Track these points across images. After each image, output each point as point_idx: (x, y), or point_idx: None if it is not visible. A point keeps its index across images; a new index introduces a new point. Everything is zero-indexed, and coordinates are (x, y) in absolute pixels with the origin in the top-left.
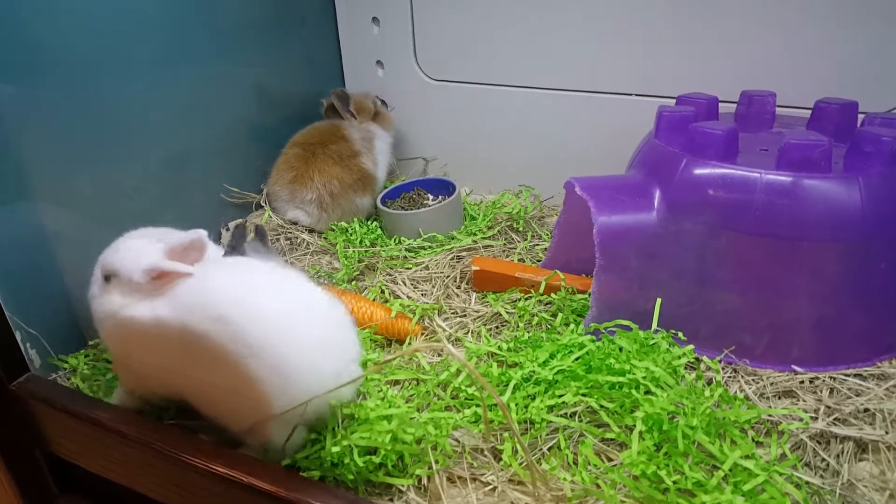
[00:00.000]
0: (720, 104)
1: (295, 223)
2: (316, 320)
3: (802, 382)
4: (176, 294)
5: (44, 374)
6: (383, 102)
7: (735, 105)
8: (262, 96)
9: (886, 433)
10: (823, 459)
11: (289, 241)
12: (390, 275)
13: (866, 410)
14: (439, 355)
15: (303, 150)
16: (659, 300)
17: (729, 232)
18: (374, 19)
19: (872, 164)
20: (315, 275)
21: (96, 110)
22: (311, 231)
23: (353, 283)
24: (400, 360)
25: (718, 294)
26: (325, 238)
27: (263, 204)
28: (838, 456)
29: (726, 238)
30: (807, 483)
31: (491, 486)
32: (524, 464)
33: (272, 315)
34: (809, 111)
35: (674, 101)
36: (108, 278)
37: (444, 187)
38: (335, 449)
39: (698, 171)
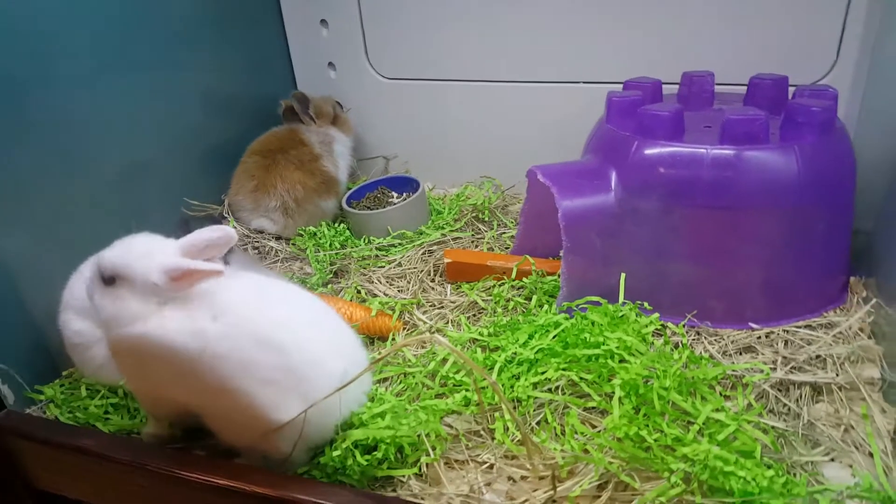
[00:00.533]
0: (664, 86)
1: (261, 232)
2: (335, 333)
3: (759, 338)
4: (219, 308)
5: (19, 409)
6: (339, 105)
7: (677, 86)
8: (213, 104)
9: (837, 375)
10: (785, 405)
11: (256, 251)
12: (364, 275)
13: (818, 357)
14: (423, 347)
15: (262, 157)
16: (623, 275)
17: (681, 206)
18: (323, 21)
19: (806, 134)
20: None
21: (36, 128)
22: (278, 238)
23: (329, 286)
24: (389, 356)
25: (675, 265)
26: (293, 244)
27: (226, 215)
28: (797, 400)
29: (679, 212)
30: (773, 427)
31: (488, 465)
32: (516, 440)
33: (309, 338)
34: (745, 87)
35: (620, 86)
36: (110, 281)
37: (407, 184)
38: (336, 453)
39: (649, 152)
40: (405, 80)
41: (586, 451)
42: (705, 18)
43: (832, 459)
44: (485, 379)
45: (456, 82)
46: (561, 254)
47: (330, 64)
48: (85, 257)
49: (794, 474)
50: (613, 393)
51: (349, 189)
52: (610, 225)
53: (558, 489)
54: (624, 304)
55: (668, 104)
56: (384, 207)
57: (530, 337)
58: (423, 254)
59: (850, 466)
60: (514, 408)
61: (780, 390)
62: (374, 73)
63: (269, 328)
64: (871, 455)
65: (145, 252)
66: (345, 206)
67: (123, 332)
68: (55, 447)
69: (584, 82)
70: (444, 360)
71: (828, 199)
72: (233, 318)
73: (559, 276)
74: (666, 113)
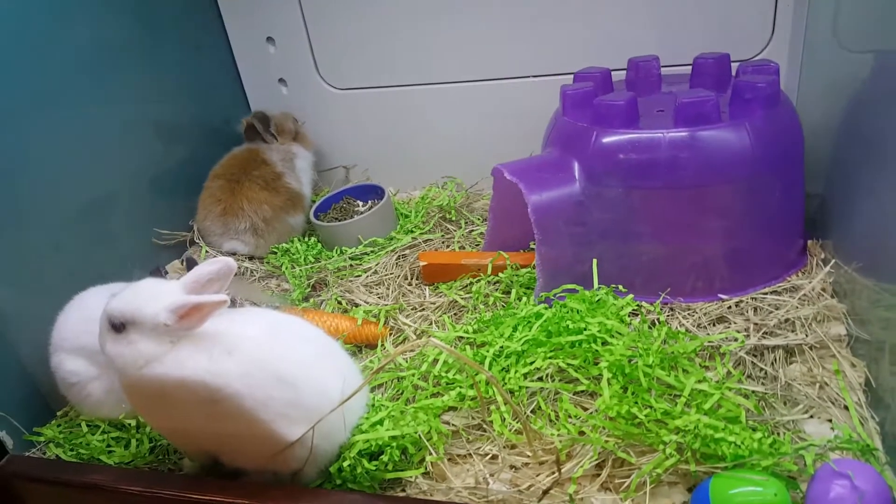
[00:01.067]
0: (611, 73)
1: (233, 254)
2: (337, 362)
3: (730, 307)
4: (227, 347)
5: (18, 453)
6: (295, 120)
7: (624, 72)
8: (168, 130)
9: (807, 336)
10: (761, 369)
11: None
12: (343, 285)
13: (787, 320)
14: (412, 350)
15: (226, 180)
16: (594, 261)
17: (643, 189)
18: (269, 39)
19: (754, 109)
20: (269, 299)
21: None
22: (251, 259)
23: (311, 300)
24: (377, 363)
25: (643, 246)
26: (267, 262)
27: (197, 241)
28: (772, 363)
29: (641, 195)
30: (753, 392)
31: (490, 456)
32: (513, 429)
33: (319, 372)
34: (688, 67)
35: (570, 76)
36: (120, 328)
37: (371, 192)
38: (346, 463)
39: (608, 140)
40: (357, 89)
41: (583, 433)
42: (644, 3)
43: (811, 416)
44: (481, 374)
45: (408, 87)
46: (531, 245)
47: (281, 80)
48: (62, 297)
49: (778, 433)
50: (601, 375)
51: (314, 202)
52: (577, 214)
53: (561, 472)
54: (598, 288)
55: (622, 93)
56: (351, 217)
57: (514, 329)
58: (397, 259)
59: (829, 421)
60: (506, 401)
61: (755, 356)
62: (326, 86)
63: (285, 366)
64: (846, 408)
65: (151, 295)
66: (313, 219)
67: (140, 374)
68: (65, 486)
69: (533, 76)
70: (435, 361)
71: (780, 168)
72: (250, 355)
73: (533, 267)
74: (621, 102)
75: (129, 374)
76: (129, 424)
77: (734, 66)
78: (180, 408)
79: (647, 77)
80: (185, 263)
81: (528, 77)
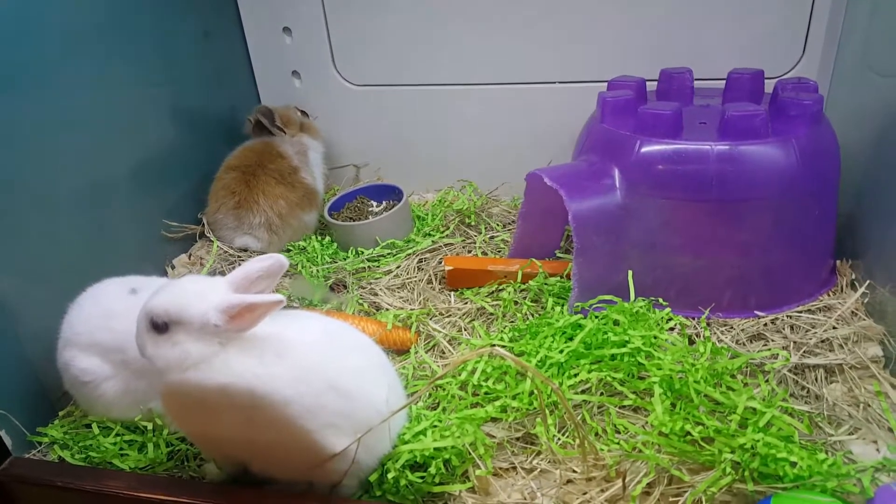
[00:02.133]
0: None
1: (245, 250)
2: (386, 372)
3: (766, 325)
4: (278, 351)
5: (19, 454)
6: (304, 113)
7: (655, 82)
8: (175, 119)
9: (847, 356)
10: (803, 387)
11: None
12: (364, 287)
13: (824, 340)
14: (442, 357)
15: (241, 173)
16: (630, 272)
17: (686, 201)
18: (286, 29)
19: (799, 126)
20: (288, 300)
21: None
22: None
23: (337, 303)
24: (414, 369)
25: (679, 258)
26: None
27: (207, 234)
28: (814, 382)
29: (684, 207)
30: (797, 410)
31: (538, 471)
32: (560, 442)
33: (371, 382)
34: (715, 81)
35: (597, 85)
36: (164, 328)
37: (385, 192)
38: (390, 475)
39: (653, 150)
40: (375, 86)
41: (639, 449)
42: (677, 16)
43: (853, 436)
44: (555, 392)
45: (427, 87)
46: (557, 254)
47: (294, 73)
48: (65, 289)
49: (827, 453)
50: (647, 390)
51: (325, 200)
52: (616, 223)
53: (610, 489)
54: (636, 300)
55: (667, 103)
56: (366, 217)
57: (552, 338)
58: (418, 262)
59: (875, 442)
60: (552, 412)
61: (796, 374)
62: (342, 81)
63: (339, 374)
64: (890, 430)
65: (198, 293)
66: (328, 218)
67: (183, 378)
68: (77, 492)
69: (560, 82)
70: (474, 370)
71: (820, 186)
72: (303, 361)
73: (563, 277)
74: (667, 112)
75: (173, 377)
76: (146, 427)
77: (769, 82)
78: (222, 413)
79: (680, 88)
80: (175, 268)
81: (554, 83)
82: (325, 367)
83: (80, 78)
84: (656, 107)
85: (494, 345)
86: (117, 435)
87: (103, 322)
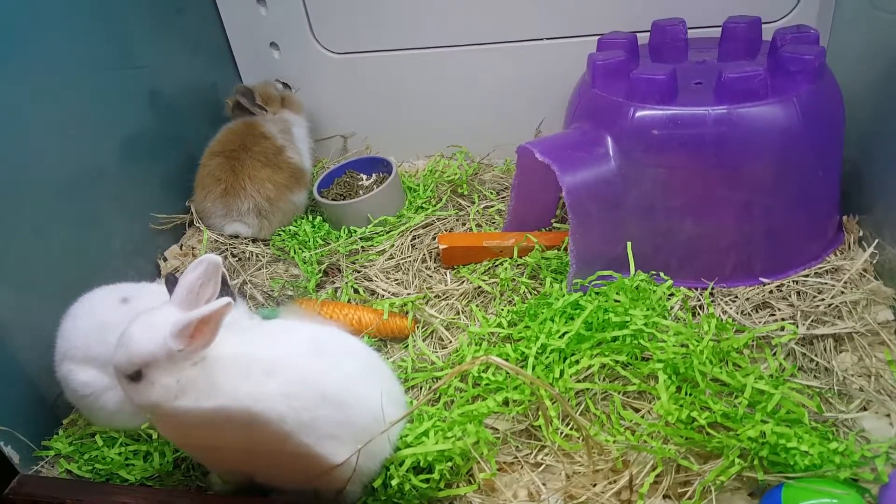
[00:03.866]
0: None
1: (236, 237)
2: (380, 375)
3: (772, 292)
4: (266, 368)
5: (27, 470)
6: (285, 85)
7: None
8: (154, 101)
9: (856, 323)
10: (812, 360)
11: (236, 258)
12: (358, 271)
13: (831, 306)
14: (443, 347)
15: (226, 158)
16: (629, 243)
17: (685, 167)
18: (260, 0)
19: (800, 83)
20: (281, 289)
21: None
22: (254, 241)
23: (332, 290)
24: (413, 361)
25: (680, 226)
26: (272, 245)
27: (197, 223)
28: (823, 353)
29: (680, 173)
30: (807, 387)
31: (543, 466)
32: (563, 434)
33: (366, 389)
34: (708, 29)
35: (587, 39)
36: (136, 376)
37: (375, 164)
38: (394, 481)
39: (648, 115)
40: (356, 53)
41: (644, 440)
42: None
43: (865, 409)
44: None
45: (412, 51)
46: (553, 223)
47: (272, 44)
48: (60, 294)
49: (838, 431)
50: (652, 374)
51: (314, 176)
52: (612, 193)
53: (620, 481)
54: (636, 274)
55: (659, 66)
56: (356, 192)
57: (550, 320)
58: (412, 240)
59: (888, 416)
60: (554, 401)
61: (804, 345)
62: (322, 50)
63: (331, 384)
64: None
65: (149, 329)
66: (317, 197)
67: (174, 407)
68: None
69: (548, 39)
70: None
71: (825, 144)
72: (292, 374)
73: (561, 250)
74: (661, 76)
75: (165, 409)
76: (151, 436)
77: (767, 29)
78: (219, 433)
79: (673, 42)
80: (166, 281)
81: (542, 40)
82: (316, 380)
83: (47, 63)
84: (649, 71)
85: (490, 356)
86: (122, 445)
87: (97, 335)
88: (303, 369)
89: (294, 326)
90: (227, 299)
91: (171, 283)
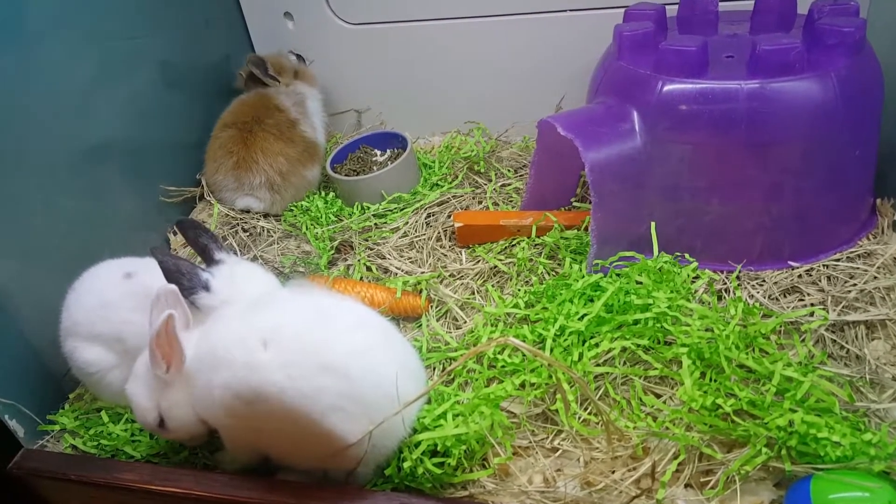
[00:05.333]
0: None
1: (247, 211)
2: (394, 347)
3: (801, 276)
4: (261, 338)
5: (32, 444)
6: (299, 57)
7: (676, 6)
8: (166, 72)
9: (889, 310)
10: (842, 346)
11: (247, 233)
12: (371, 248)
13: (863, 291)
14: (458, 328)
15: (238, 130)
16: (653, 224)
17: (715, 144)
18: None
19: (838, 57)
20: (292, 266)
21: None
22: (266, 216)
23: (344, 267)
24: (428, 342)
25: (707, 206)
26: (284, 221)
27: (207, 197)
28: (854, 340)
29: (712, 150)
30: (837, 375)
31: (560, 452)
32: (581, 419)
33: (374, 360)
34: (739, 2)
35: (613, 11)
36: (162, 423)
37: (389, 140)
38: (406, 464)
39: (677, 89)
40: (373, 24)
41: (666, 427)
42: None
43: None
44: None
45: (429, 22)
46: (573, 202)
47: (286, 14)
48: (68, 267)
49: (870, 422)
50: (675, 359)
51: (328, 152)
52: (637, 170)
53: (640, 469)
54: (660, 255)
55: (690, 37)
56: (370, 168)
57: (570, 301)
58: (427, 218)
59: None
60: (572, 386)
61: (834, 332)
62: (338, 20)
63: (332, 353)
64: None
65: (136, 381)
66: (330, 172)
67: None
68: (90, 485)
69: (571, 10)
70: (489, 342)
71: (862, 122)
72: (290, 345)
73: (581, 229)
74: (693, 48)
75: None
76: None
77: (802, 2)
78: (228, 412)
79: (703, 14)
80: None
81: (565, 11)
82: (317, 349)
83: (56, 32)
84: (679, 42)
85: (508, 337)
86: (128, 421)
87: (102, 312)
88: (303, 338)
89: (299, 296)
90: (166, 313)
91: (158, 254)
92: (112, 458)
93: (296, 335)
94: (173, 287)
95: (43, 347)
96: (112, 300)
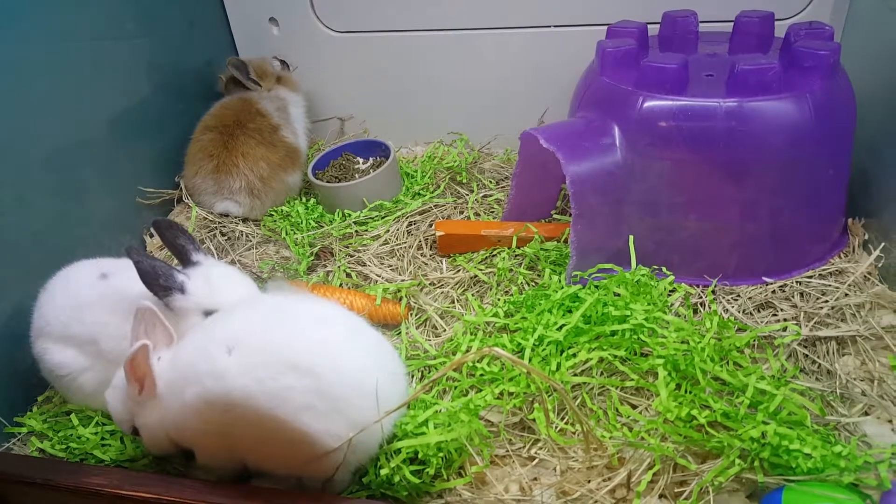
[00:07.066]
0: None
1: (226, 215)
2: (366, 343)
3: (774, 292)
4: (224, 344)
5: None
6: (283, 63)
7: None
8: (148, 74)
9: (860, 327)
10: (814, 361)
11: (225, 237)
12: (351, 255)
13: (834, 308)
14: (437, 336)
15: (219, 133)
16: (631, 238)
17: (693, 162)
18: None
19: (814, 79)
20: (271, 271)
21: None
22: (245, 221)
23: (323, 273)
24: (407, 349)
25: (684, 221)
26: (263, 226)
27: (186, 200)
28: (825, 355)
29: (691, 167)
30: (809, 389)
31: (536, 461)
32: (558, 428)
33: (344, 360)
34: (719, 24)
35: (593, 29)
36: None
37: (372, 148)
38: (384, 471)
39: (657, 106)
40: (358, 32)
41: (642, 437)
42: None
43: (867, 414)
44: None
45: (415, 32)
46: (553, 215)
47: (272, 19)
48: (39, 266)
49: (839, 435)
50: (651, 370)
51: (310, 157)
52: (617, 185)
53: (615, 479)
54: (637, 268)
55: (671, 55)
56: (352, 176)
57: (549, 311)
58: (408, 226)
59: (890, 421)
60: (550, 394)
61: (806, 346)
62: (323, 27)
63: (295, 352)
64: None
65: (113, 394)
66: (312, 179)
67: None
68: (58, 490)
69: (554, 26)
70: (468, 350)
71: (835, 143)
72: (253, 346)
73: (561, 241)
74: (673, 65)
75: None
76: None
77: (779, 25)
78: (204, 424)
79: (684, 34)
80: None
81: (549, 27)
82: (280, 348)
83: (36, 31)
84: (660, 59)
85: (493, 348)
86: (98, 424)
87: (75, 313)
88: (265, 340)
89: (260, 298)
90: (139, 344)
91: (133, 254)
92: (81, 462)
93: (258, 337)
94: (151, 306)
95: (11, 349)
96: (86, 301)
